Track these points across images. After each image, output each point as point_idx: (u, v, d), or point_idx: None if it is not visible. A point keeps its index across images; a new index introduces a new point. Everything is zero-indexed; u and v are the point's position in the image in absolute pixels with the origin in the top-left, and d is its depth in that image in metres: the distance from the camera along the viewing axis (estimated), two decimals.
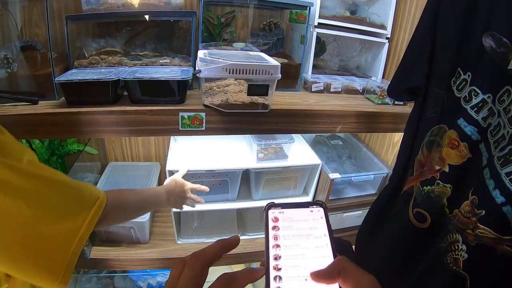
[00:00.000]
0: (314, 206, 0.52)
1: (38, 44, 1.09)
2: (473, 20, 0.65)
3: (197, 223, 1.47)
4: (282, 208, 0.52)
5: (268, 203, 0.53)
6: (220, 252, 0.46)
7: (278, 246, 0.47)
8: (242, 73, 0.89)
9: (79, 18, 1.12)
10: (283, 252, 0.47)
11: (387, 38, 1.39)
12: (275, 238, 0.48)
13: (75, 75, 0.96)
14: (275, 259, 0.46)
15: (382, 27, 1.37)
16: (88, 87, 0.93)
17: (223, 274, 0.43)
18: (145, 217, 1.30)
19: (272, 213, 0.51)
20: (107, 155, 1.66)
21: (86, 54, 1.16)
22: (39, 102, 0.97)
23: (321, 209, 0.51)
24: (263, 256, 0.47)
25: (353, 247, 1.07)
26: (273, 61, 0.93)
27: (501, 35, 0.59)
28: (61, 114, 0.91)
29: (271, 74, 0.90)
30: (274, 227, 0.49)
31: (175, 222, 1.34)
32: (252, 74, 0.89)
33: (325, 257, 0.46)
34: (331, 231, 0.49)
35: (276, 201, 0.54)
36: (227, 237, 0.48)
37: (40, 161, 1.25)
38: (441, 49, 0.75)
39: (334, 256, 0.46)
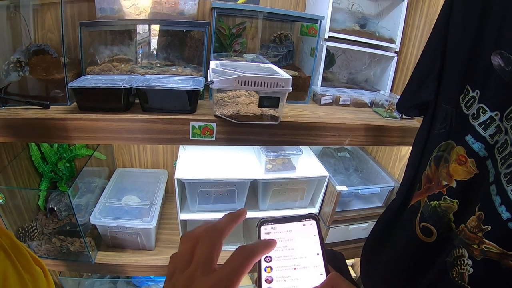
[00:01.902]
0: (306, 220, 0.52)
1: (51, 48, 1.10)
2: (482, 38, 0.66)
3: None
4: (274, 223, 0.53)
5: (261, 219, 0.53)
6: (231, 224, 0.47)
7: (270, 259, 0.48)
8: (254, 85, 0.90)
9: (93, 25, 1.14)
10: (275, 265, 0.47)
11: (395, 52, 1.40)
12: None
13: (87, 81, 0.97)
14: (267, 272, 0.47)
15: (391, 41, 1.38)
16: (101, 94, 0.94)
17: (241, 246, 0.43)
18: (152, 224, 1.31)
19: (264, 229, 0.52)
20: (115, 161, 1.67)
21: (99, 61, 1.17)
22: (51, 106, 0.98)
23: (314, 222, 0.52)
24: None
25: (359, 259, 1.07)
26: (284, 74, 0.94)
27: (509, 54, 0.60)
28: (72, 120, 0.92)
29: (282, 87, 0.91)
30: None
31: (182, 229, 1.35)
32: (264, 86, 0.90)
33: (317, 270, 0.46)
34: (323, 244, 0.49)
35: (270, 216, 0.54)
36: (234, 211, 0.49)
37: (48, 164, 1.27)
38: (450, 66, 0.76)
39: (326, 268, 0.46)
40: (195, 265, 0.41)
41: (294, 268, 0.47)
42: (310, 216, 0.53)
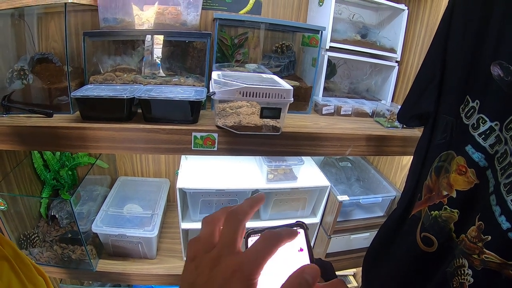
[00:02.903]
0: (294, 228, 0.52)
1: (55, 57, 1.11)
2: (482, 48, 0.66)
3: None
4: (261, 234, 0.53)
5: (248, 230, 0.53)
6: (252, 209, 0.47)
7: None
8: (256, 96, 0.90)
9: (96, 35, 1.15)
10: (261, 278, 0.47)
11: (396, 61, 1.40)
12: None
13: (90, 90, 0.98)
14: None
15: (392, 50, 1.39)
16: (104, 104, 0.95)
17: (267, 230, 0.43)
18: (153, 233, 1.31)
19: (251, 241, 0.52)
20: (117, 170, 1.68)
21: (102, 70, 1.18)
22: (54, 115, 0.99)
23: (302, 230, 0.52)
24: None
25: (360, 268, 1.07)
26: (286, 85, 0.95)
27: (509, 64, 0.60)
28: (75, 129, 0.93)
29: (284, 98, 0.92)
30: None
31: (183, 238, 1.34)
32: (265, 97, 0.91)
33: None
34: (311, 254, 0.49)
35: (257, 227, 0.54)
36: (253, 196, 0.49)
37: (50, 172, 1.27)
38: (450, 76, 0.76)
39: None
40: (221, 246, 0.42)
41: (281, 275, 0.47)
42: (297, 225, 0.52)
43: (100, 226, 1.30)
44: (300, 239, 0.51)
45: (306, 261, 0.48)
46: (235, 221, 0.44)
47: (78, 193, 1.25)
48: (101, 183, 1.54)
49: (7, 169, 1.25)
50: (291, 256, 0.49)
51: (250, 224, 1.33)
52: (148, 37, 1.20)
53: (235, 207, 0.46)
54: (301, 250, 0.50)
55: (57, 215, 1.35)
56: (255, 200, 0.48)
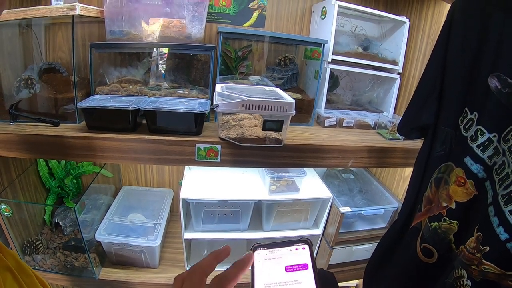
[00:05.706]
0: (299, 244, 0.53)
1: (62, 67, 1.13)
2: (480, 61, 0.68)
3: (207, 251, 1.47)
4: (267, 248, 0.54)
5: (254, 244, 0.55)
6: (214, 262, 0.51)
7: (263, 284, 0.49)
8: (258, 109, 0.92)
9: (103, 47, 1.17)
10: None
11: (398, 73, 1.42)
12: (260, 276, 0.49)
13: (96, 101, 1.00)
14: None
15: (394, 62, 1.40)
16: (109, 114, 0.96)
17: (215, 276, 0.48)
18: (156, 242, 1.31)
19: (257, 254, 0.53)
20: (122, 179, 1.69)
21: (108, 81, 1.20)
22: (60, 124, 1.01)
23: (306, 246, 0.53)
24: None
25: (362, 280, 1.07)
26: (288, 98, 0.96)
27: (506, 76, 0.61)
28: (81, 138, 0.95)
29: (286, 111, 0.93)
30: (259, 267, 0.51)
31: (186, 248, 1.35)
32: (268, 110, 0.92)
33: None
34: (315, 267, 0.50)
35: (264, 240, 0.56)
36: (218, 249, 0.53)
37: (55, 179, 1.28)
38: (449, 89, 0.77)
39: None
40: None
41: None
42: (302, 241, 0.54)
43: (103, 235, 1.31)
44: (304, 255, 0.52)
45: (310, 276, 0.49)
46: (194, 278, 0.49)
47: (83, 202, 1.26)
48: (105, 192, 1.56)
49: (12, 176, 1.26)
50: (296, 272, 0.50)
51: (253, 235, 1.35)
52: (154, 49, 1.22)
53: (197, 264, 0.51)
54: (306, 265, 0.51)
55: (61, 223, 1.37)
56: (217, 254, 0.52)
